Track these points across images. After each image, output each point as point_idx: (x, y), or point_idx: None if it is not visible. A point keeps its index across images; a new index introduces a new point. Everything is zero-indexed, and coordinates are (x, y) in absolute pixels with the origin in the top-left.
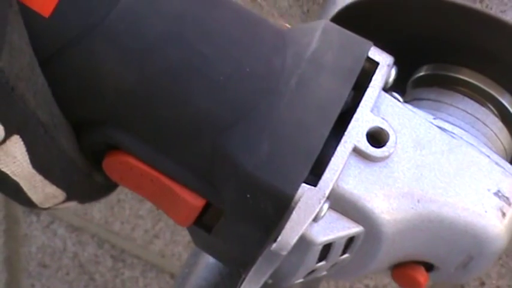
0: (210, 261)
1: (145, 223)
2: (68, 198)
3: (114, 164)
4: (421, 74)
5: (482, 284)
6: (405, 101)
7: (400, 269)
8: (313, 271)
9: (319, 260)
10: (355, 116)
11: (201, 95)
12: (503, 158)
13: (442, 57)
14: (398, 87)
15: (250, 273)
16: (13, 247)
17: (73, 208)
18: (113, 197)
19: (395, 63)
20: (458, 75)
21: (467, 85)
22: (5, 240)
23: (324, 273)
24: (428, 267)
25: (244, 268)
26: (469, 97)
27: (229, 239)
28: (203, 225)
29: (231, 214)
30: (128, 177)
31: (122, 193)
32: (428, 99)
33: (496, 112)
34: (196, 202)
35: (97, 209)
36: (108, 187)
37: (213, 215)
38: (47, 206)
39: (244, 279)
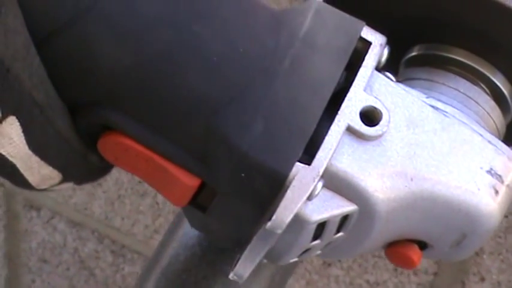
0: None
1: (145, 218)
2: (64, 180)
3: (109, 144)
4: (414, 53)
5: (483, 279)
6: (398, 81)
7: (394, 247)
8: (307, 250)
9: (314, 238)
10: (349, 95)
11: (195, 75)
12: (496, 136)
13: (435, 37)
14: (392, 67)
15: (246, 252)
16: (13, 243)
17: (73, 204)
18: (113, 192)
19: (388, 43)
20: (450, 54)
21: (460, 64)
22: (6, 235)
23: (319, 252)
24: (422, 245)
25: (239, 247)
26: (461, 76)
27: (224, 219)
28: (198, 205)
29: (225, 193)
30: (123, 158)
31: (122, 189)
32: (421, 79)
33: (488, 91)
34: (190, 182)
35: (97, 205)
36: (103, 168)
37: (207, 194)
38: (43, 187)
39: (239, 258)
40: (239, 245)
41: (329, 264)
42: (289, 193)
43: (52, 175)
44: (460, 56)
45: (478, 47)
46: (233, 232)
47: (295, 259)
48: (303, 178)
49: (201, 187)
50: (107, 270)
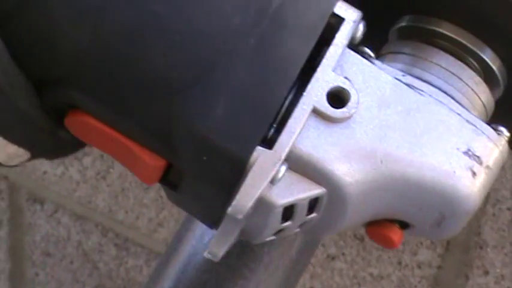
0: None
1: (149, 212)
2: (33, 157)
3: (75, 123)
4: (402, 24)
5: (486, 272)
6: (382, 54)
7: (374, 226)
8: (281, 230)
9: (285, 220)
10: (315, 75)
11: (156, 56)
12: (481, 113)
13: (424, 9)
14: (382, 37)
15: (216, 234)
16: (17, 236)
17: (77, 197)
18: (116, 185)
19: (369, 16)
20: (438, 28)
21: (447, 39)
22: (9, 229)
23: (297, 230)
24: (404, 224)
25: (216, 226)
26: (448, 51)
27: (194, 198)
28: (169, 183)
29: (190, 176)
30: (90, 136)
31: (126, 182)
32: (404, 53)
33: (477, 67)
34: (155, 162)
35: (101, 198)
36: (75, 144)
37: (177, 174)
38: (13, 164)
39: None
40: (215, 223)
41: (333, 258)
42: (249, 178)
43: (19, 153)
44: (448, 31)
45: (467, 21)
46: (206, 211)
47: (273, 238)
48: (264, 162)
49: (170, 166)
50: (111, 263)
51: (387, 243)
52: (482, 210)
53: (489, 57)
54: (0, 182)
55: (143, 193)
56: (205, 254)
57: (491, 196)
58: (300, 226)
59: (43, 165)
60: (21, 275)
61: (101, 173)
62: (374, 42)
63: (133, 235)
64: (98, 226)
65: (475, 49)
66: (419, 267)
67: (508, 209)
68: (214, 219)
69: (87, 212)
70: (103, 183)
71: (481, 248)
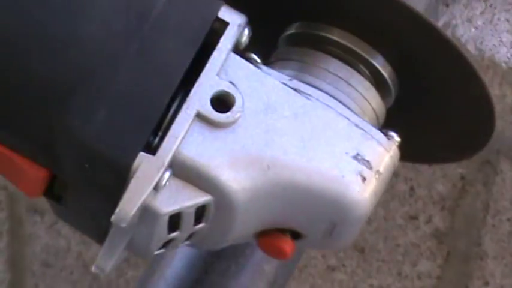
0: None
1: None
2: None
3: None
4: (291, 31)
5: (487, 283)
6: (271, 61)
7: (265, 237)
8: (170, 241)
9: (173, 230)
10: (199, 80)
11: (35, 63)
12: (372, 119)
13: (314, 16)
14: (272, 44)
15: (104, 245)
16: (17, 247)
17: None
18: None
19: (257, 21)
20: (327, 34)
21: (336, 45)
22: (9, 240)
23: (187, 242)
24: (295, 235)
25: (103, 241)
26: (337, 58)
27: (80, 211)
28: (53, 196)
29: (73, 186)
30: None
31: None
32: (292, 59)
33: (367, 74)
34: (37, 172)
35: None
36: None
37: (61, 185)
38: None
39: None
40: (102, 238)
41: (333, 269)
42: (132, 184)
43: None
44: (337, 37)
45: (357, 27)
46: (92, 224)
47: (162, 251)
48: (147, 168)
49: (54, 178)
50: (111, 274)
51: (279, 254)
52: (482, 220)
53: (379, 64)
54: None
55: None
56: (93, 268)
57: (491, 207)
58: (189, 238)
59: None
60: (21, 286)
61: None
62: (263, 49)
63: None
64: None
65: (364, 55)
66: (419, 277)
67: (508, 219)
68: (100, 233)
69: None
70: None
71: (481, 258)
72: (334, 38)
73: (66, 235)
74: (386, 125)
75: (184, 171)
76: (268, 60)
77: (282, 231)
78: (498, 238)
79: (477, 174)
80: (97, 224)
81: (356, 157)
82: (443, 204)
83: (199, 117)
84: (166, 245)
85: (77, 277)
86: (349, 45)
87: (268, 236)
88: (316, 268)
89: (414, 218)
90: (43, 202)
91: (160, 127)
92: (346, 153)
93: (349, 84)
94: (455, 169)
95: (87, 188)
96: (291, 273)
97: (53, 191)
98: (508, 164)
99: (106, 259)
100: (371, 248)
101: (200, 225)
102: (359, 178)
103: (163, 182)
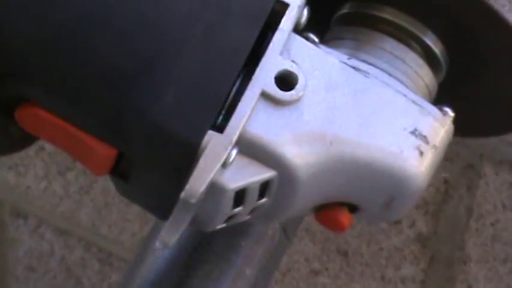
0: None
1: (132, 226)
2: None
3: (26, 116)
4: (344, 11)
5: (470, 287)
6: (325, 40)
7: (324, 210)
8: (232, 216)
9: (237, 205)
10: (263, 59)
11: (104, 46)
12: (425, 95)
13: None
14: (323, 25)
15: (168, 223)
16: (0, 251)
17: (60, 212)
18: (100, 200)
19: (312, 2)
20: (380, 13)
21: (389, 24)
22: None
23: (248, 217)
24: (353, 208)
25: (166, 217)
26: (390, 36)
27: (145, 188)
28: (120, 174)
29: (141, 164)
30: (41, 129)
31: (109, 196)
32: (347, 38)
33: (420, 50)
34: (106, 152)
35: (84, 213)
36: (26, 139)
37: (128, 164)
38: None
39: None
40: (166, 214)
41: (316, 273)
42: (201, 162)
43: None
44: (389, 15)
45: (409, 5)
46: (157, 201)
47: (223, 225)
48: (215, 146)
49: (121, 156)
50: (94, 278)
51: (337, 227)
52: (465, 225)
53: (431, 41)
54: None
55: (126, 208)
56: (157, 244)
57: (474, 211)
58: (251, 212)
59: (26, 179)
60: None
61: (84, 188)
62: (316, 30)
63: (117, 250)
64: (81, 241)
65: (417, 33)
66: (402, 282)
67: (492, 224)
68: (165, 210)
69: (71, 227)
70: (86, 198)
71: (464, 263)
72: (387, 16)
73: (49, 239)
74: (435, 99)
75: (250, 148)
76: (322, 39)
77: (340, 204)
78: (481, 242)
79: (460, 178)
80: (162, 201)
81: (414, 132)
82: (427, 209)
83: (264, 95)
84: (229, 219)
85: (60, 281)
86: (401, 23)
87: (327, 210)
88: (299, 272)
89: (397, 222)
90: (27, 206)
91: (225, 106)
92: (404, 129)
93: (404, 62)
94: (439, 173)
95: (155, 166)
96: (271, 277)
97: (118, 169)
98: (491, 167)
99: (170, 234)
100: (354, 251)
101: (263, 200)
102: (417, 153)
103: (231, 159)
